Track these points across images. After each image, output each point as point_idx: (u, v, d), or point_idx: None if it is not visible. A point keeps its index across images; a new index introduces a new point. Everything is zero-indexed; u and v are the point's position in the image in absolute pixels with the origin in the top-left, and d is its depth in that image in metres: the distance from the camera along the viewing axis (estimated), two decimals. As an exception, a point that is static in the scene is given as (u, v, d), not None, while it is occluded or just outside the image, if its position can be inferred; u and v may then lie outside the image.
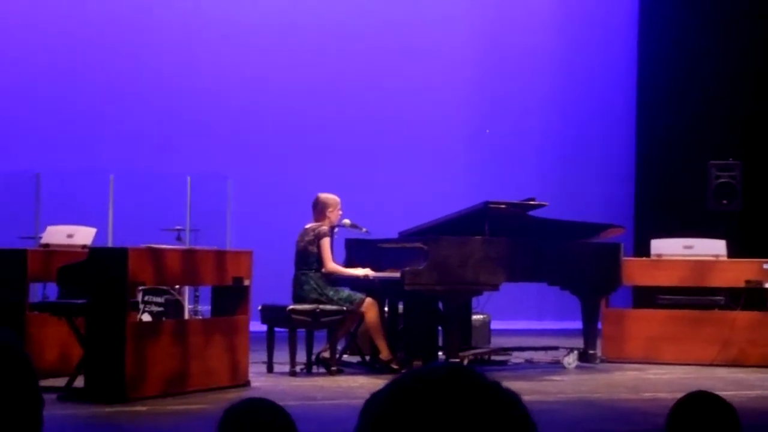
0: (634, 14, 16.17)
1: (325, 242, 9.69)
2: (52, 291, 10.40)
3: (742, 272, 10.74)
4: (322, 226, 9.76)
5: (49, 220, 10.98)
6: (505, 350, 10.94)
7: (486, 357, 10.66)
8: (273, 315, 9.61)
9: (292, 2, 15.30)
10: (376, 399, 1.46)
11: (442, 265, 9.26)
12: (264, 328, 9.72)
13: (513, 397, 1.45)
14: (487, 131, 15.93)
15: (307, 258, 9.70)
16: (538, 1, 16.39)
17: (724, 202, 12.40)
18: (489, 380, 1.44)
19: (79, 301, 7.99)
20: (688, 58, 15.40)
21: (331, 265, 9.74)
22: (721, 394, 3.02)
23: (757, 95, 15.09)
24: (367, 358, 10.13)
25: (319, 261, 9.68)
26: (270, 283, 10.14)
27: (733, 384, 9.26)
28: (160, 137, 14.65)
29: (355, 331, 10.11)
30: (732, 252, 11.14)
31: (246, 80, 15.06)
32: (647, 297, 11.41)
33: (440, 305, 9.71)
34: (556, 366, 10.40)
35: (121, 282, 7.67)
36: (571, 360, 10.41)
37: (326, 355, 9.64)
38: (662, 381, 9.53)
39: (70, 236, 9.85)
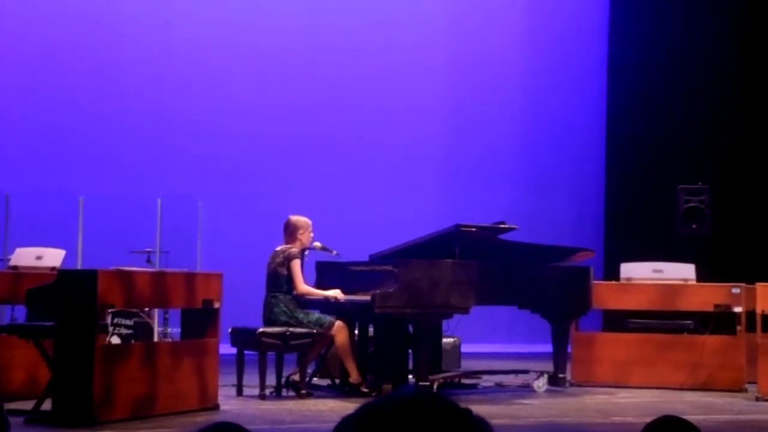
0: (604, 37, 16.27)
1: (296, 264, 9.68)
2: (20, 313, 10.34)
3: (711, 296, 10.77)
4: (292, 248, 9.75)
5: (18, 241, 10.92)
6: (476, 373, 10.92)
7: (456, 380, 10.65)
8: (243, 338, 9.58)
9: (259, 25, 15.30)
10: (345, 424, 1.46)
11: (412, 288, 9.26)
12: (234, 350, 9.68)
13: (483, 425, 1.45)
14: None
15: (278, 280, 9.68)
16: (507, 24, 16.46)
17: (694, 226, 12.45)
18: (459, 407, 1.44)
19: (48, 324, 7.94)
20: (657, 82, 15.49)
21: (303, 287, 9.73)
22: (690, 418, 3.03)
23: (726, 120, 15.20)
24: (337, 381, 10.10)
25: (290, 283, 9.66)
26: (240, 305, 10.11)
27: (702, 408, 9.29)
28: (131, 159, 14.61)
29: (325, 354, 10.09)
30: (701, 276, 11.18)
31: (216, 102, 15.05)
32: (617, 321, 11.43)
33: (410, 328, 9.71)
34: (526, 389, 10.40)
35: (90, 304, 7.62)
36: (540, 383, 10.40)
37: (296, 378, 9.62)
38: (631, 405, 9.54)
39: (39, 258, 9.80)
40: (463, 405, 1.50)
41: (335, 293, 9.72)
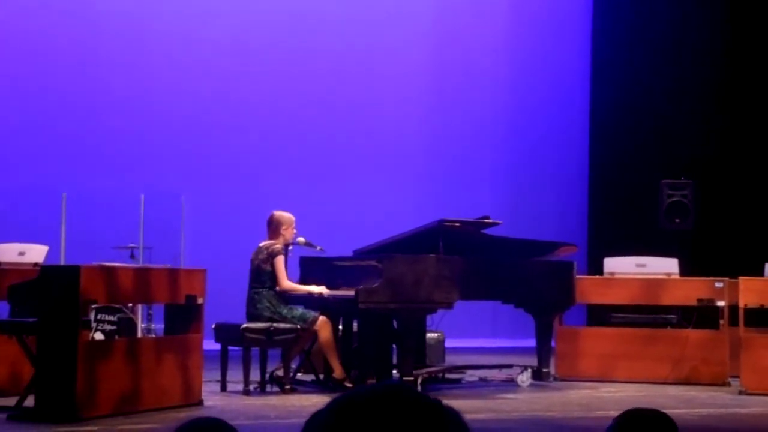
0: (587, 34, 16.29)
1: (279, 260, 9.66)
2: (3, 309, 10.30)
3: (694, 290, 10.80)
4: (275, 244, 9.73)
5: (1, 237, 10.88)
6: (459, 368, 10.94)
7: (440, 375, 10.66)
8: (227, 333, 9.57)
9: (242, 21, 15.27)
10: (317, 418, 1.46)
11: (396, 283, 9.26)
12: (218, 346, 9.67)
13: (454, 415, 1.45)
14: None
15: (261, 276, 9.67)
16: (491, 19, 16.47)
17: (677, 220, 12.49)
18: (429, 398, 1.44)
19: (31, 320, 7.92)
20: (640, 78, 15.53)
21: (286, 284, 9.71)
22: (673, 412, 3.03)
23: (708, 115, 15.24)
24: (321, 376, 10.11)
25: (273, 279, 9.65)
26: (224, 301, 10.10)
27: (685, 402, 9.32)
28: (114, 154, 14.57)
29: (309, 350, 10.09)
30: (684, 270, 11.22)
31: (199, 98, 15.02)
32: (600, 315, 11.46)
33: (394, 323, 9.71)
34: (510, 384, 10.42)
35: (73, 300, 7.60)
36: (524, 378, 10.43)
37: (280, 373, 9.61)
38: (615, 399, 9.57)
39: (21, 254, 9.76)
40: (447, 400, 1.51)
41: (320, 290, 9.71)
